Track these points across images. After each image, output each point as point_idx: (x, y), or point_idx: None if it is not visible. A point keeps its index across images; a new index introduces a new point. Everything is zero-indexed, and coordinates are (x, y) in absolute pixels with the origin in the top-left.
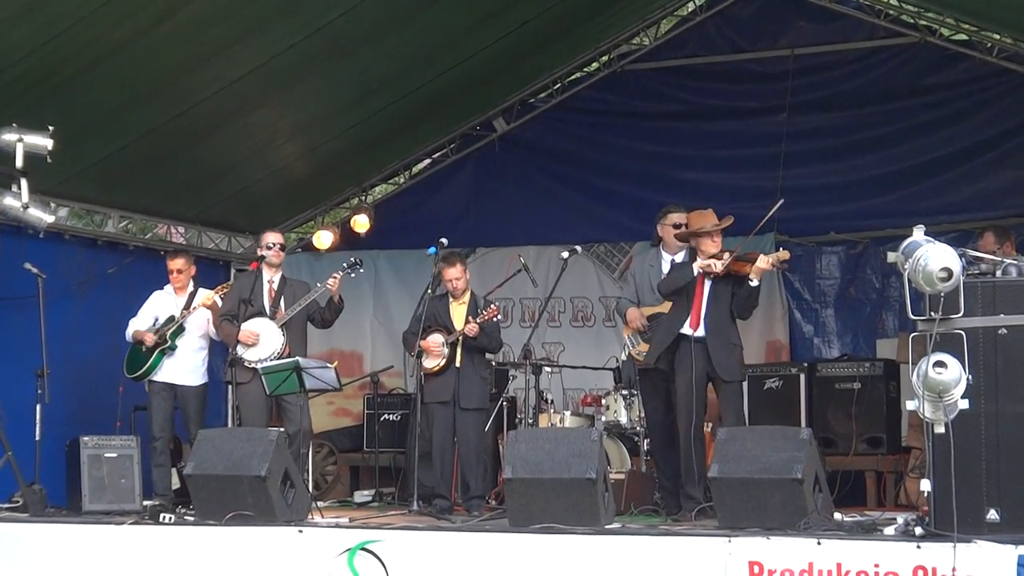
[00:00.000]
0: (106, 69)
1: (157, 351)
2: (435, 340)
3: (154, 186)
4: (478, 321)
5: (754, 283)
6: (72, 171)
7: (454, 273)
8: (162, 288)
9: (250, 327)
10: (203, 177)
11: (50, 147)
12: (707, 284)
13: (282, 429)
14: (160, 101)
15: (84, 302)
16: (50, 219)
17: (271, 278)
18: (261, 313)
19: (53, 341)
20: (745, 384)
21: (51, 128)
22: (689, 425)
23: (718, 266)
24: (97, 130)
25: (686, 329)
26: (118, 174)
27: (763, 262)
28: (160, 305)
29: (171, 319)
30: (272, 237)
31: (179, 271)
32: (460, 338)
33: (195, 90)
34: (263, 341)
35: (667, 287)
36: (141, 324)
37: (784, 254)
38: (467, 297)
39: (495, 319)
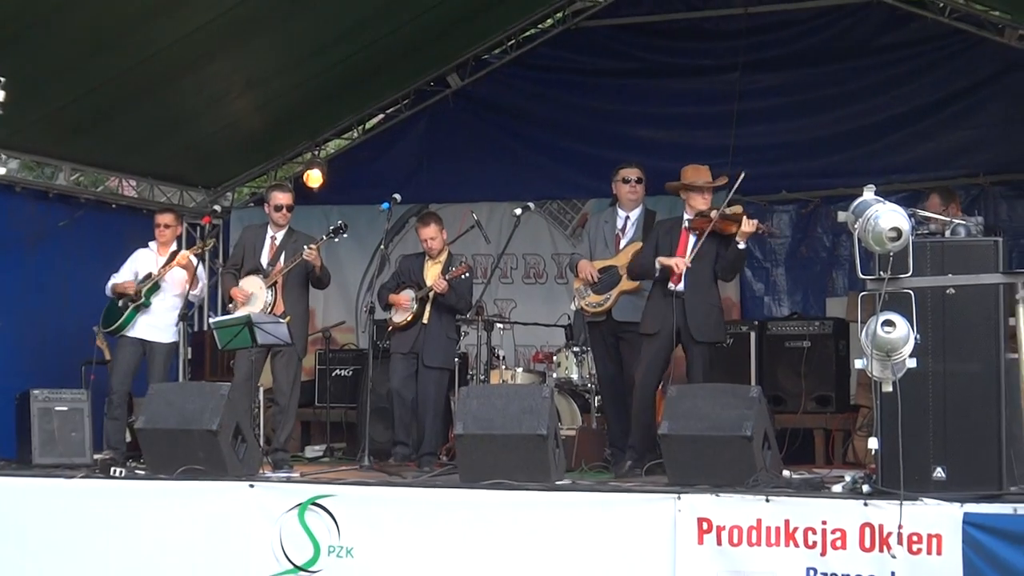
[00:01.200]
0: (58, 20)
1: (131, 307)
2: (405, 295)
3: (106, 139)
4: (447, 278)
5: (741, 246)
6: (23, 123)
7: (429, 233)
8: (146, 246)
9: (243, 285)
10: (156, 130)
11: (2, 99)
12: (691, 239)
13: (262, 385)
14: (113, 53)
15: (35, 255)
16: (1, 171)
17: (275, 234)
18: (258, 270)
19: (4, 294)
20: None
21: (3, 79)
22: (644, 377)
23: (681, 266)
24: (49, 82)
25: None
26: (70, 126)
27: (747, 225)
28: (142, 262)
29: (149, 275)
30: (280, 198)
31: (166, 225)
32: (430, 295)
33: (148, 43)
34: (253, 300)
35: (633, 273)
36: (121, 279)
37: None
38: (443, 256)
39: (464, 276)
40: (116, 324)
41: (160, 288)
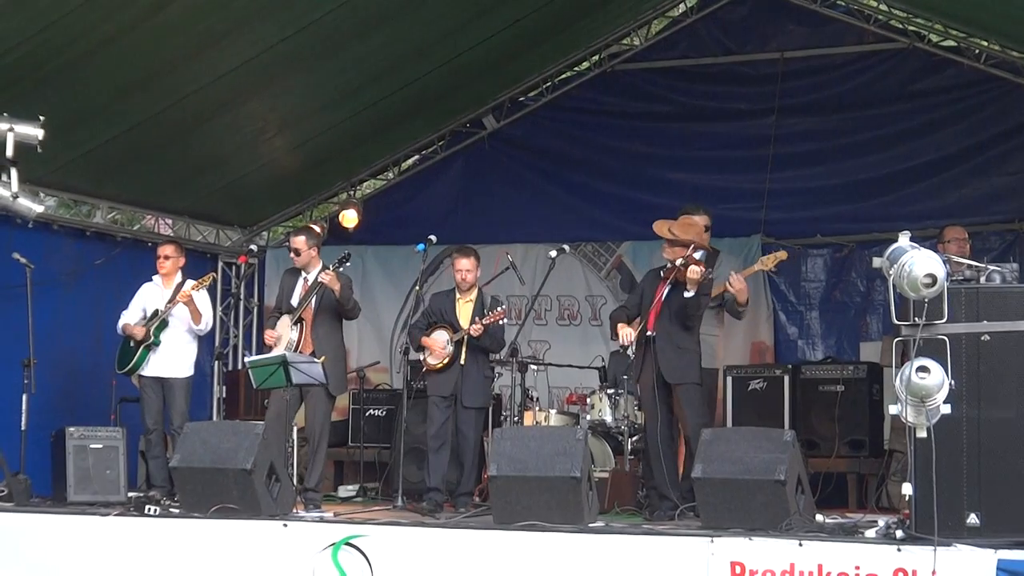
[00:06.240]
0: (97, 60)
1: (142, 347)
2: (439, 337)
3: (143, 178)
4: (484, 323)
5: (687, 294)
6: (62, 161)
7: (466, 264)
8: (151, 280)
9: (277, 327)
10: (192, 169)
11: (41, 137)
12: (666, 287)
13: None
14: (150, 93)
15: (72, 292)
16: (39, 209)
17: (307, 275)
18: (290, 311)
19: (40, 331)
20: (729, 385)
21: (42, 118)
22: (651, 425)
23: (627, 339)
24: (87, 121)
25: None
26: (108, 165)
27: (691, 273)
28: (148, 297)
29: (156, 313)
30: (294, 242)
31: (166, 257)
32: (465, 336)
33: (185, 83)
34: (280, 340)
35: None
36: (131, 317)
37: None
38: (474, 294)
39: (501, 322)
40: (129, 365)
41: (168, 324)
